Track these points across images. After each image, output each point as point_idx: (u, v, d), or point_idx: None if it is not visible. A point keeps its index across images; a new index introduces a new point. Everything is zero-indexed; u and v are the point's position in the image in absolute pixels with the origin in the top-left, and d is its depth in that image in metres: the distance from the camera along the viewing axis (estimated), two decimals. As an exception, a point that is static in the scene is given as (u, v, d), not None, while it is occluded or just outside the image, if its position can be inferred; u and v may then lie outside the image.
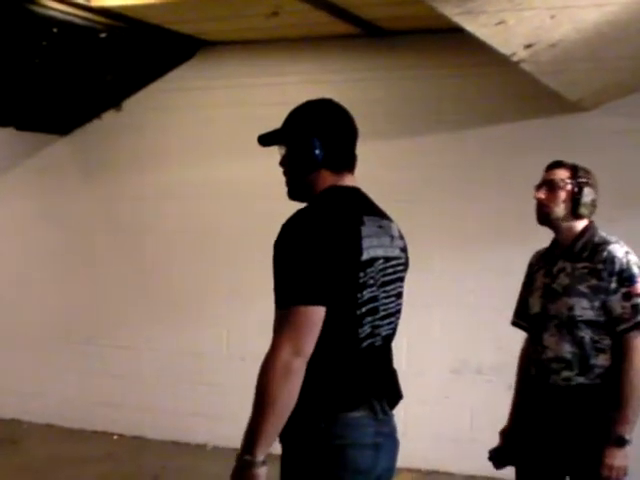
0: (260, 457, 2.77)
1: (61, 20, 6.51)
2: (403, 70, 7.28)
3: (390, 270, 3.09)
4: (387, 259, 3.07)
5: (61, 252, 8.52)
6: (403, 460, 3.24)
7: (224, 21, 6.96)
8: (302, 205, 3.05)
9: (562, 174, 4.13)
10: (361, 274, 2.92)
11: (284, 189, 3.20)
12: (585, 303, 4.02)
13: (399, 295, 3.18)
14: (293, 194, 3.15)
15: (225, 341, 7.85)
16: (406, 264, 3.25)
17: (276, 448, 2.94)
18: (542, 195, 4.14)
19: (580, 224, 4.14)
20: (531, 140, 6.90)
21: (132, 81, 8.11)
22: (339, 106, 3.18)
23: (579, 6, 4.09)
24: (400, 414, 3.21)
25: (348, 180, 3.12)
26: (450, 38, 6.53)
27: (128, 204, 8.25)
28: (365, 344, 2.97)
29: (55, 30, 6.63)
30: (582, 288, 4.04)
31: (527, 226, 4.52)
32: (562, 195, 4.10)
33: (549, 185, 4.13)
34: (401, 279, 3.19)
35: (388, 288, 3.07)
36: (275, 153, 3.21)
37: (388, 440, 3.06)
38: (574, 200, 4.09)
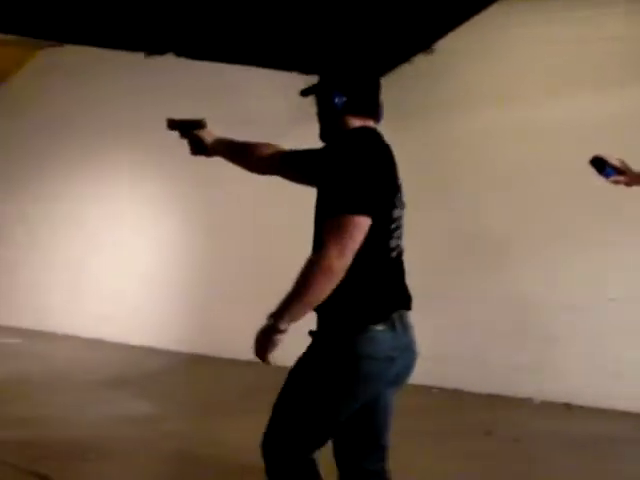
0: (283, 326, 3.21)
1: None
2: None
3: (403, 200, 3.54)
4: (401, 192, 3.54)
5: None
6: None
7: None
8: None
9: None
10: (397, 195, 3.46)
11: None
12: None
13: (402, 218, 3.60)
14: (323, 136, 3.56)
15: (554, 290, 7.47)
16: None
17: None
18: None
19: None
20: None
21: (443, 21, 7.79)
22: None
23: None
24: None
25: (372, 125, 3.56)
26: None
27: (445, 149, 8.17)
28: (394, 254, 3.43)
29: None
30: None
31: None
32: None
33: None
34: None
35: (403, 212, 3.52)
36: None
37: (405, 353, 3.38)
38: None
